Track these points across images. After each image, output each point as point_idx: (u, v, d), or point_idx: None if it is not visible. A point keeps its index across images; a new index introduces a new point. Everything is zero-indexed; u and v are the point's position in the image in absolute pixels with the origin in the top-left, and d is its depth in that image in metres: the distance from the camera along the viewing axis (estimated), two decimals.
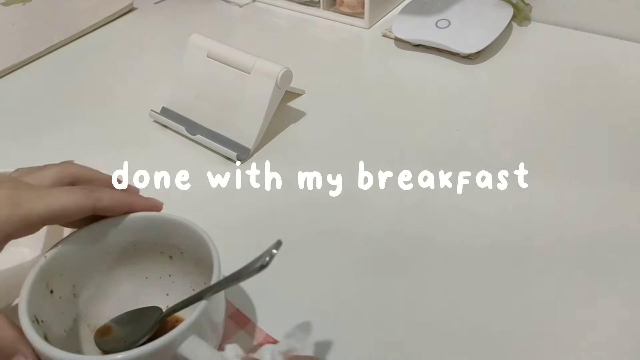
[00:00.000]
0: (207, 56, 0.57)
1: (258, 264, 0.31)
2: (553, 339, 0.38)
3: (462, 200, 0.49)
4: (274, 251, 0.31)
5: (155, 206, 0.38)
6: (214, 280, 0.33)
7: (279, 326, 0.39)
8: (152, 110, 0.60)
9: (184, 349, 0.31)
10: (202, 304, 0.32)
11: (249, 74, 0.54)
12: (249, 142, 0.54)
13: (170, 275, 0.39)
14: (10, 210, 0.31)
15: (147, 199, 0.38)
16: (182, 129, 0.57)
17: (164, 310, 0.37)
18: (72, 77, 0.68)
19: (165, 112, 0.59)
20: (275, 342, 0.38)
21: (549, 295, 0.41)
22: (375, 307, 0.41)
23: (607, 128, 0.56)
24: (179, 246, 0.38)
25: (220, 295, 0.35)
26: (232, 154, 0.54)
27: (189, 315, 0.31)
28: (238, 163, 0.54)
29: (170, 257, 0.39)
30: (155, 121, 0.60)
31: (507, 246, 0.45)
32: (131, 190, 0.39)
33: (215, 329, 0.35)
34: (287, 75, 0.54)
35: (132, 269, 0.39)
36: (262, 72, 0.54)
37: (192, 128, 0.57)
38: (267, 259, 0.31)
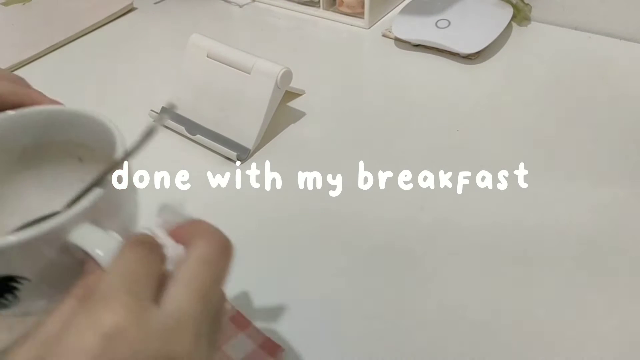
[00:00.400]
0: (207, 56, 0.57)
1: (149, 128, 0.29)
2: (553, 339, 0.38)
3: (462, 200, 0.49)
4: (163, 115, 0.30)
5: (55, 102, 0.33)
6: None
7: (279, 327, 0.39)
8: (151, 110, 0.60)
9: (75, 236, 0.27)
10: (96, 190, 0.28)
11: (249, 74, 0.54)
12: (248, 142, 0.54)
13: (83, 181, 0.33)
14: None
15: (43, 95, 0.33)
16: (182, 129, 0.57)
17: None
18: (71, 77, 0.68)
19: (165, 112, 0.59)
20: (276, 346, 0.38)
21: (549, 294, 0.41)
22: (376, 306, 0.41)
23: (607, 128, 0.56)
24: (87, 144, 0.33)
25: (124, 182, 0.30)
26: (232, 154, 0.54)
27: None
28: (238, 163, 0.54)
29: (80, 158, 0.34)
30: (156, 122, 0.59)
31: (507, 246, 0.45)
32: (22, 83, 0.33)
33: (124, 220, 0.31)
34: (287, 75, 0.54)
35: (37, 175, 0.34)
36: (262, 72, 0.54)
37: (192, 128, 0.57)
38: (157, 122, 0.30)
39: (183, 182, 0.52)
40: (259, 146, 0.55)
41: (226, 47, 0.57)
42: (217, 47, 0.57)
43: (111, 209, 0.30)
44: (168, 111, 0.31)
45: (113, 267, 0.26)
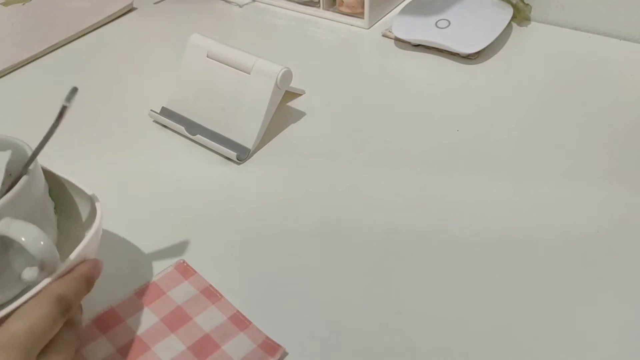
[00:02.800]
0: (207, 56, 0.57)
1: (59, 111, 0.35)
2: (553, 338, 0.38)
3: (462, 200, 0.49)
4: (69, 99, 0.35)
5: None
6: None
7: (279, 326, 0.39)
8: (152, 110, 0.60)
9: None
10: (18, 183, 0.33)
11: (249, 74, 0.54)
12: (248, 142, 0.54)
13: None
14: None
15: None
16: (182, 129, 0.57)
17: None
18: (71, 78, 0.68)
19: (165, 112, 0.59)
20: (276, 346, 0.38)
21: (549, 294, 0.41)
22: (376, 304, 0.41)
23: (607, 128, 0.56)
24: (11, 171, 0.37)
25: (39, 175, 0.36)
26: (232, 154, 0.54)
27: None
28: (238, 163, 0.54)
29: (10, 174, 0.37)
30: (155, 121, 0.60)
31: (507, 245, 0.45)
32: None
33: (40, 212, 0.36)
34: (287, 75, 0.54)
35: None
36: (262, 72, 0.54)
37: (192, 128, 0.57)
38: (67, 103, 0.34)
39: (183, 182, 0.52)
40: (258, 146, 0.55)
41: (226, 46, 0.57)
42: (217, 47, 0.57)
43: (30, 200, 0.34)
44: (76, 91, 0.34)
45: (21, 319, 0.30)
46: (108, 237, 0.46)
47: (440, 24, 0.68)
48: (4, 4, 0.84)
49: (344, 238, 0.46)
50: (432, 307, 0.41)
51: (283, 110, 0.59)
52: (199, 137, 0.56)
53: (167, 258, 0.45)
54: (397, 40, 0.71)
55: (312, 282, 0.43)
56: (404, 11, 0.73)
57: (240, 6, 0.83)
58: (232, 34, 0.78)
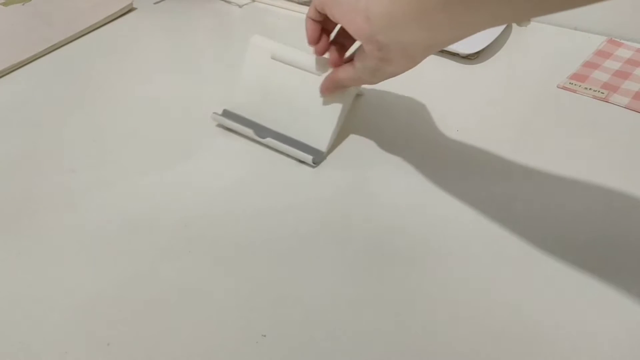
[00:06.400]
0: (272, 58, 0.55)
1: None
2: (553, 337, 0.38)
3: (462, 200, 0.49)
4: None
5: None
6: None
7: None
8: (214, 112, 0.57)
9: None
10: None
11: (320, 75, 0.53)
12: (321, 145, 0.53)
13: None
14: None
15: None
16: (250, 132, 0.55)
17: None
18: (71, 78, 0.68)
19: (226, 114, 0.57)
20: None
21: (549, 294, 0.41)
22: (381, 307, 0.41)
23: (607, 127, 0.56)
24: None
25: None
26: (308, 157, 0.52)
27: None
28: (312, 166, 0.53)
29: None
30: (220, 124, 0.57)
31: (507, 245, 0.45)
32: None
33: None
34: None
35: None
36: None
37: (261, 131, 0.55)
38: None
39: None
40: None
41: (291, 48, 0.55)
42: (282, 49, 0.55)
43: None
44: None
45: None
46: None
47: None
48: (4, 4, 0.84)
49: (342, 236, 0.46)
50: (431, 307, 0.41)
51: None
52: (268, 140, 0.54)
53: None
54: None
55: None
56: None
57: (240, 6, 0.83)
58: (232, 34, 0.78)
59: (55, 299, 0.41)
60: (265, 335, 0.39)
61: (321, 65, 0.53)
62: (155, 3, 0.85)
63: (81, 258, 0.44)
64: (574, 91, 0.62)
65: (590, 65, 0.66)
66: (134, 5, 0.83)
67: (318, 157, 0.53)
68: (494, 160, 0.53)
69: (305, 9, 0.79)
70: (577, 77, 0.64)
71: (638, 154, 0.53)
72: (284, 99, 0.55)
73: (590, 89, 0.62)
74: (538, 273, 0.43)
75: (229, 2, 0.84)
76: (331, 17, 0.47)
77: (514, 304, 0.41)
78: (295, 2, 0.80)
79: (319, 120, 0.53)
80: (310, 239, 0.46)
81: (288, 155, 0.54)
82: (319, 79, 0.53)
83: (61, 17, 0.79)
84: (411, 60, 0.44)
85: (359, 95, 0.61)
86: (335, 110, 0.53)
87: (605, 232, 0.45)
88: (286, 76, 0.54)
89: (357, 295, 0.42)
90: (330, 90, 0.52)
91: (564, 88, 0.62)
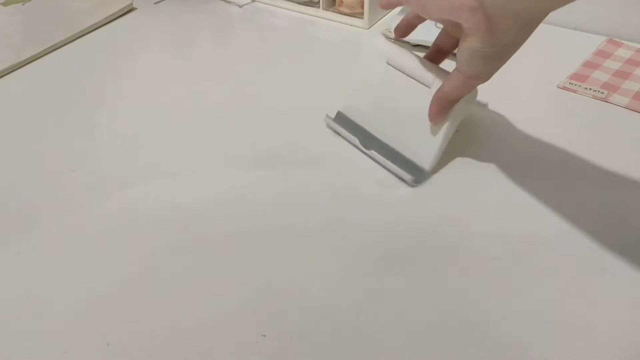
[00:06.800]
0: (387, 63, 0.52)
1: None
2: (553, 337, 0.38)
3: (461, 200, 0.49)
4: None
5: None
6: None
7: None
8: (327, 115, 0.56)
9: None
10: None
11: (430, 87, 0.49)
12: (425, 163, 0.50)
13: None
14: None
15: None
16: (355, 140, 0.53)
17: None
18: (71, 78, 0.68)
19: (340, 118, 0.56)
20: None
21: (549, 294, 0.41)
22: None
23: (607, 127, 0.56)
24: None
25: None
26: (408, 177, 0.49)
27: None
28: (412, 185, 0.50)
29: None
30: (329, 127, 0.57)
31: (507, 244, 0.45)
32: None
33: None
34: (474, 93, 0.49)
35: None
36: None
37: (367, 140, 0.53)
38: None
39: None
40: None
41: (408, 54, 0.51)
42: (400, 55, 0.52)
43: None
44: None
45: None
46: None
47: (439, 24, 0.68)
48: (4, 4, 0.84)
49: (342, 236, 0.46)
50: (432, 306, 0.41)
51: None
52: (372, 153, 0.52)
53: None
54: (397, 40, 0.71)
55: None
56: (403, 11, 0.73)
57: (240, 6, 0.83)
58: (232, 34, 0.78)
59: (55, 299, 0.41)
60: (265, 335, 0.39)
61: (436, 77, 0.49)
62: (155, 3, 0.85)
63: (81, 258, 0.45)
64: (574, 91, 0.62)
65: (590, 65, 0.66)
66: (134, 5, 0.83)
67: (420, 177, 0.50)
68: (495, 159, 0.53)
69: (305, 9, 0.79)
70: (577, 77, 0.64)
71: (638, 154, 0.53)
72: (393, 108, 0.52)
73: (590, 89, 0.62)
74: (539, 270, 0.43)
75: (229, 2, 0.84)
76: (422, 13, 0.44)
77: (514, 303, 0.41)
78: (295, 2, 0.80)
79: (424, 136, 0.50)
80: (310, 239, 0.46)
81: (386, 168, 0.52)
82: (429, 92, 0.49)
83: (61, 17, 0.79)
84: (527, 26, 0.42)
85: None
86: (443, 127, 0.49)
87: (608, 229, 0.45)
88: (398, 84, 0.51)
89: (358, 295, 0.42)
90: (440, 114, 0.48)
91: (564, 88, 0.62)
